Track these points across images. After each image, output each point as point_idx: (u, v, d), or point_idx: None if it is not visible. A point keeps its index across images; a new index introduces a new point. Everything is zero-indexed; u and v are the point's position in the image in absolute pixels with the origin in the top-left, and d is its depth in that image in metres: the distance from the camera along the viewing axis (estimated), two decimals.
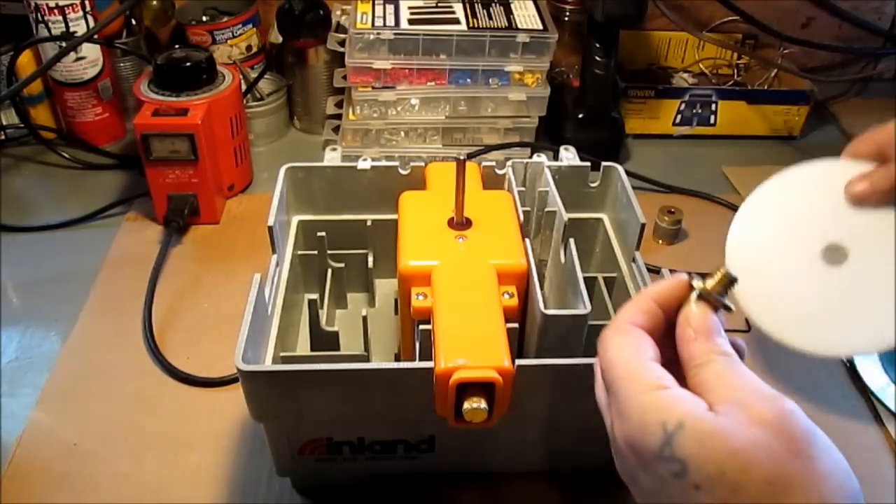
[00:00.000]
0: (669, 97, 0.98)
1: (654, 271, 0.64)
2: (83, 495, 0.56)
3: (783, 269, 0.39)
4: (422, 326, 0.48)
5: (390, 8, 0.89)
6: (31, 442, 0.60)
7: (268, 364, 0.53)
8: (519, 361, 0.45)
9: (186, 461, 0.59)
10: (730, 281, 0.36)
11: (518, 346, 0.52)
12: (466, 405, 0.43)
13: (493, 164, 0.63)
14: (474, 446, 0.54)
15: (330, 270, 0.65)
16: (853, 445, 0.60)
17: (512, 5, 0.91)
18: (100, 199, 0.86)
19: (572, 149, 0.69)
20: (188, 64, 0.80)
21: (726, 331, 0.36)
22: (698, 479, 0.30)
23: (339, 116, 0.92)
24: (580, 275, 0.52)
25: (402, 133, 0.91)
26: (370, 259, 0.66)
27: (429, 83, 0.88)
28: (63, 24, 0.86)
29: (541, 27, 0.87)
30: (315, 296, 0.59)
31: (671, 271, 0.41)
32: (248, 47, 0.98)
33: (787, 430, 0.30)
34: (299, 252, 0.64)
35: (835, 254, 0.39)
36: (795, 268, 0.39)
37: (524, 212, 0.58)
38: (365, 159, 0.65)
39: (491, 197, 0.58)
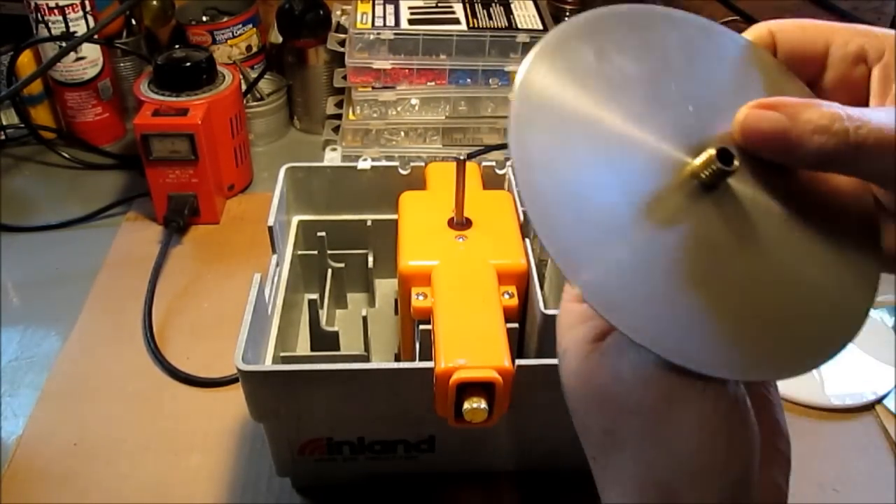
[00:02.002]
0: None
1: None
2: (83, 495, 0.56)
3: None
4: (422, 326, 0.48)
5: (390, 8, 0.89)
6: (31, 442, 0.60)
7: (268, 364, 0.53)
8: (519, 361, 0.45)
9: (186, 461, 0.59)
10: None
11: (518, 346, 0.52)
12: (466, 405, 0.43)
13: (493, 164, 0.63)
14: (474, 446, 0.54)
15: (330, 270, 0.65)
16: (853, 445, 0.60)
17: (512, 5, 0.91)
18: (100, 199, 0.86)
19: None
20: (188, 64, 0.80)
21: None
22: (571, 406, 0.31)
23: (339, 116, 0.92)
24: None
25: (402, 133, 0.91)
26: (370, 259, 0.66)
27: (429, 83, 0.88)
28: (63, 24, 0.86)
29: (541, 27, 0.87)
30: (315, 296, 0.59)
31: None
32: (248, 47, 0.98)
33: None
34: (299, 252, 0.64)
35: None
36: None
37: (524, 212, 0.58)
38: (365, 159, 0.65)
39: (491, 197, 0.58)
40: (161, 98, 0.79)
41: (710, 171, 0.28)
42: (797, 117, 0.27)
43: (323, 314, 0.59)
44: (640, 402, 0.28)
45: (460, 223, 0.54)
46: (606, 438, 0.30)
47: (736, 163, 0.27)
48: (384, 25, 0.85)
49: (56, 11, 0.85)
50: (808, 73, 0.31)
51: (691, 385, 0.27)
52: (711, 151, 0.27)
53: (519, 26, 0.86)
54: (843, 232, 0.29)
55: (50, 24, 0.86)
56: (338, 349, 0.58)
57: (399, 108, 0.90)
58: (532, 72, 0.28)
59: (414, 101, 0.89)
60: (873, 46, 0.29)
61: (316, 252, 0.65)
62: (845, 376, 0.65)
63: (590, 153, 0.28)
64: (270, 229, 0.57)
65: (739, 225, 0.28)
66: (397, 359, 0.61)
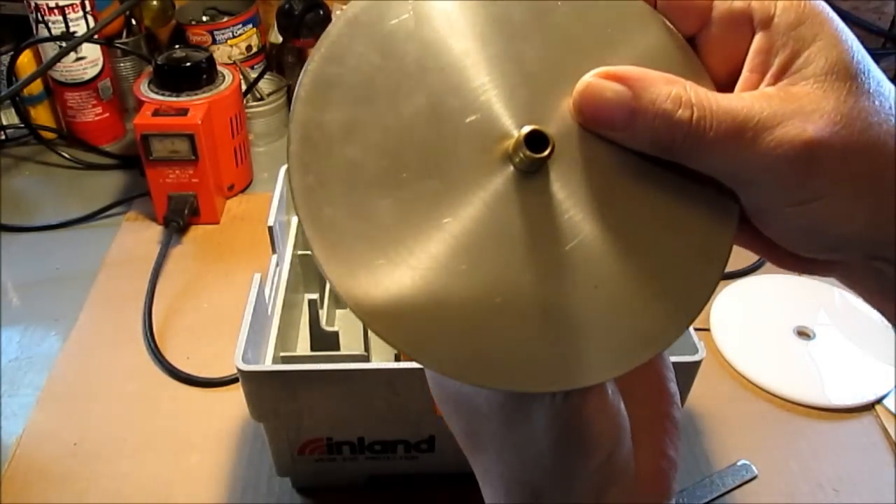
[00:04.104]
0: None
1: None
2: (83, 495, 0.56)
3: None
4: None
5: None
6: (31, 442, 0.60)
7: (268, 364, 0.53)
8: None
9: (186, 461, 0.59)
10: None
11: None
12: None
13: None
14: None
15: None
16: (853, 445, 0.60)
17: None
18: (100, 199, 0.86)
19: None
20: (188, 64, 0.80)
21: None
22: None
23: None
24: None
25: None
26: None
27: None
28: (63, 24, 0.86)
29: None
30: (315, 296, 0.59)
31: None
32: (248, 47, 0.98)
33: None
34: (299, 252, 0.64)
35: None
36: None
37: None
38: None
39: None
40: (161, 98, 0.79)
41: (520, 157, 0.24)
42: (641, 94, 0.24)
43: (323, 314, 0.59)
44: (490, 407, 0.28)
45: None
46: (469, 441, 0.30)
47: (547, 151, 0.24)
48: None
49: (56, 11, 0.85)
50: (689, 28, 0.27)
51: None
52: (522, 132, 0.24)
53: None
54: (690, 223, 0.26)
55: (50, 24, 0.86)
56: (338, 349, 0.58)
57: None
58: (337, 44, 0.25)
59: None
60: (762, 7, 0.25)
61: None
62: (845, 376, 0.65)
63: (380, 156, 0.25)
64: (270, 229, 0.57)
65: (554, 223, 0.25)
66: (397, 359, 0.61)
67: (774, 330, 0.70)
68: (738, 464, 0.59)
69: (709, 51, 0.27)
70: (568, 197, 0.25)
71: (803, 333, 0.69)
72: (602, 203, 0.25)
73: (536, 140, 0.24)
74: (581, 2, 0.27)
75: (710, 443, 0.61)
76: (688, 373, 0.49)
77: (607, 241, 0.25)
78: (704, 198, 0.26)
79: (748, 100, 0.24)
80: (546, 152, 0.24)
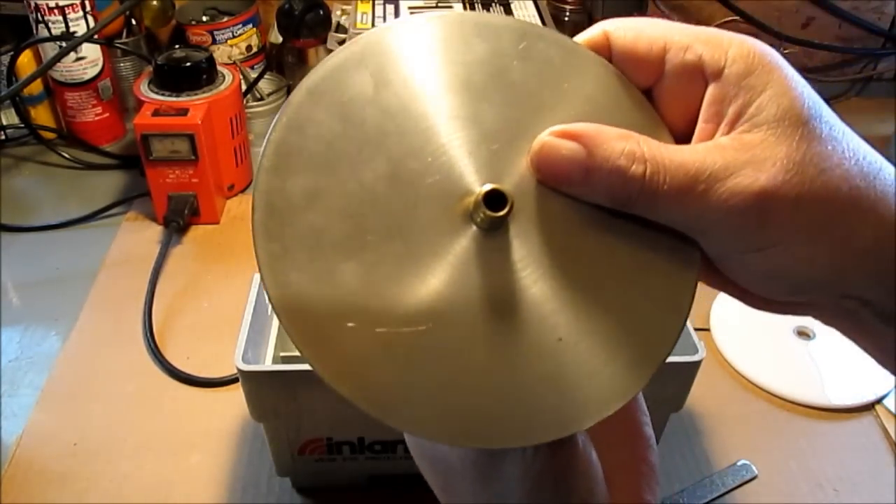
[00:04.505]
0: None
1: None
2: (83, 495, 0.56)
3: None
4: None
5: (390, 8, 0.89)
6: (31, 442, 0.60)
7: (268, 364, 0.53)
8: None
9: (186, 461, 0.59)
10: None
11: None
12: None
13: None
14: None
15: None
16: (853, 445, 0.60)
17: (512, 5, 0.91)
18: (100, 199, 0.86)
19: None
20: (188, 64, 0.80)
21: None
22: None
23: None
24: None
25: None
26: None
27: None
28: (63, 24, 0.86)
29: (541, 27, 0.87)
30: None
31: None
32: (248, 47, 0.98)
33: None
34: None
35: None
36: None
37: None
38: None
39: None
40: (161, 98, 0.79)
41: (480, 216, 0.25)
42: (595, 152, 0.25)
43: None
44: (464, 464, 0.28)
45: None
46: (445, 496, 0.31)
47: (505, 210, 0.24)
48: None
49: (56, 11, 0.85)
50: (644, 80, 0.27)
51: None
52: (481, 191, 0.24)
53: None
54: (651, 273, 0.26)
55: (50, 24, 0.86)
56: None
57: None
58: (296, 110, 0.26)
59: None
60: (712, 58, 0.25)
61: None
62: (845, 376, 0.65)
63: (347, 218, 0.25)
64: None
65: (514, 281, 0.25)
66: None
67: (774, 330, 0.70)
68: (738, 464, 0.59)
69: (665, 102, 0.27)
70: (528, 254, 0.26)
71: (803, 333, 0.69)
72: (562, 258, 0.26)
73: (495, 199, 0.24)
74: (537, 60, 0.27)
75: (710, 443, 0.61)
76: (688, 373, 0.49)
77: (567, 296, 0.26)
78: (665, 247, 0.26)
79: (702, 152, 0.25)
80: (504, 210, 0.24)
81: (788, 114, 0.24)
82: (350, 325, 0.24)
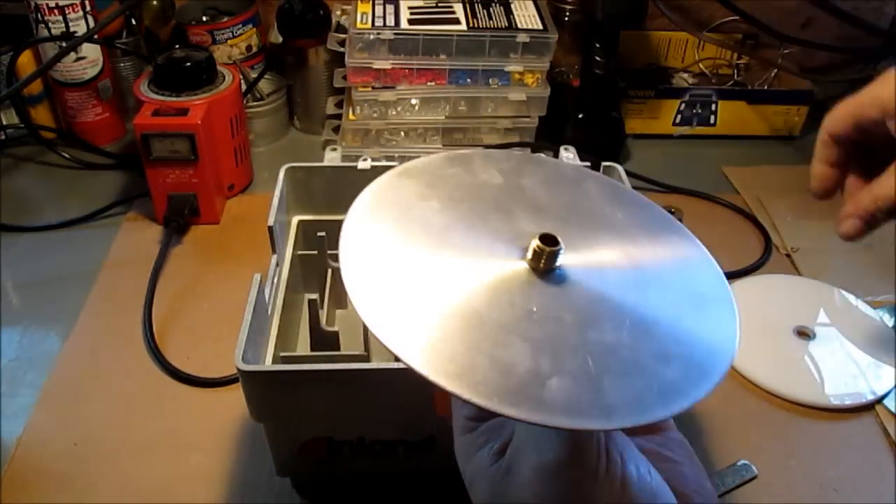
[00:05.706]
0: (669, 97, 0.98)
1: None
2: (83, 495, 0.56)
3: None
4: None
5: (390, 8, 0.89)
6: (31, 442, 0.60)
7: (268, 364, 0.53)
8: None
9: (186, 461, 0.59)
10: None
11: None
12: None
13: None
14: None
15: (330, 270, 0.65)
16: (853, 445, 0.60)
17: (512, 5, 0.91)
18: (100, 199, 0.86)
19: (572, 149, 0.69)
20: (188, 64, 0.80)
21: None
22: None
23: (339, 116, 0.92)
24: None
25: (402, 133, 0.91)
26: None
27: (429, 83, 0.88)
28: (63, 24, 0.86)
29: (541, 27, 0.87)
30: (315, 296, 0.59)
31: None
32: (248, 47, 0.98)
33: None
34: (299, 252, 0.64)
35: None
36: None
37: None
38: (365, 159, 0.65)
39: None
40: (161, 98, 0.79)
41: (538, 254, 0.30)
42: None
43: (323, 314, 0.59)
44: (552, 499, 0.30)
45: None
46: None
47: (561, 244, 0.30)
48: (384, 25, 0.85)
49: (56, 11, 0.85)
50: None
51: (594, 472, 0.29)
52: (536, 241, 0.30)
53: (519, 26, 0.86)
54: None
55: (50, 24, 0.86)
56: (338, 349, 0.58)
57: (399, 108, 0.90)
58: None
59: (414, 101, 0.89)
60: None
61: (316, 252, 0.64)
62: (845, 376, 0.65)
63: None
64: (270, 229, 0.57)
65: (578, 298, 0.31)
66: (397, 359, 0.61)
67: (774, 330, 0.70)
68: (738, 464, 0.59)
69: None
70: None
71: (803, 333, 0.69)
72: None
73: (548, 238, 0.30)
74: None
75: (710, 443, 0.61)
76: None
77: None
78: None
79: None
80: (559, 245, 0.30)
81: None
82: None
